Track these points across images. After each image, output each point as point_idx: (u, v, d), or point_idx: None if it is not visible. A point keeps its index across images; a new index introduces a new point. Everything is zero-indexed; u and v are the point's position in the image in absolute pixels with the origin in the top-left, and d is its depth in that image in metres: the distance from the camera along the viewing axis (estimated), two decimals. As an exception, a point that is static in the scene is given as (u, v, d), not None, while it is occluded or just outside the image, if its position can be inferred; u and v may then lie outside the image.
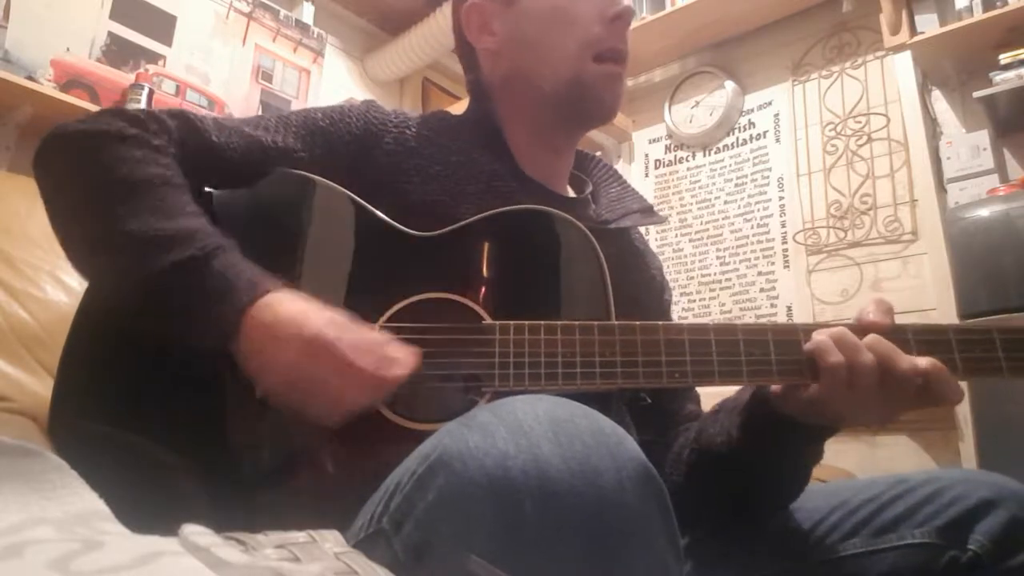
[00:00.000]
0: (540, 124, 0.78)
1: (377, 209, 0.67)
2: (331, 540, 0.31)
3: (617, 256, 0.67)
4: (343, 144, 0.72)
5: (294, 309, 0.55)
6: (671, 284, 0.92)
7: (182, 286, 0.55)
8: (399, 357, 0.55)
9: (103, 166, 0.61)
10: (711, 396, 0.92)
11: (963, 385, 0.58)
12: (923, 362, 0.56)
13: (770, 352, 0.60)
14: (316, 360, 0.53)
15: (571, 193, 0.84)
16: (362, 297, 0.63)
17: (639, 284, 0.82)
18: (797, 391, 0.60)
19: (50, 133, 0.65)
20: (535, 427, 0.40)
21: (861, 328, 0.59)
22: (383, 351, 0.54)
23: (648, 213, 0.82)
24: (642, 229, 0.90)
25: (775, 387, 0.62)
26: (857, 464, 1.95)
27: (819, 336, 0.58)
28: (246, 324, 0.54)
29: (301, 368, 0.53)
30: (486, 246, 0.66)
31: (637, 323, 0.60)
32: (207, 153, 0.68)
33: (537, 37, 0.75)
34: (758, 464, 0.65)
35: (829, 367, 0.57)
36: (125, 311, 0.60)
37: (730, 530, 0.71)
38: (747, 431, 0.65)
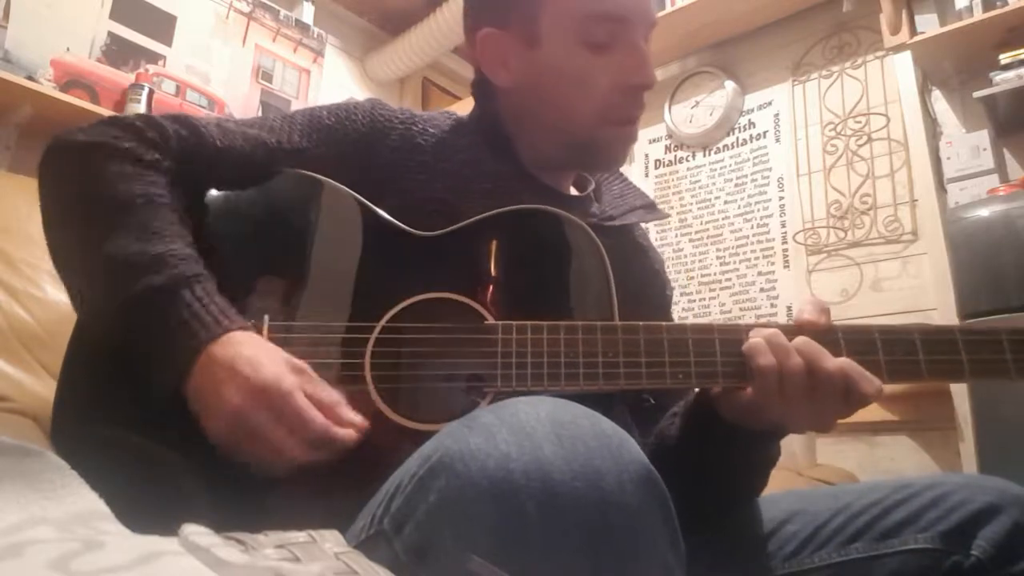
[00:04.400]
0: (546, 154, 0.77)
1: (382, 207, 0.67)
2: (331, 540, 0.31)
3: (620, 252, 0.67)
4: (349, 142, 0.72)
5: (251, 352, 0.53)
6: (671, 284, 0.92)
7: (146, 317, 0.55)
8: (353, 420, 0.53)
9: (90, 182, 0.62)
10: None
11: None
12: (841, 362, 0.56)
13: None
14: (263, 408, 0.51)
15: (574, 191, 0.84)
16: (365, 297, 0.63)
17: (642, 280, 0.82)
18: (735, 395, 0.60)
19: (54, 141, 0.66)
20: (537, 429, 0.40)
21: (796, 328, 0.59)
22: (337, 411, 0.53)
23: (651, 209, 0.82)
24: (643, 227, 0.90)
25: (716, 390, 0.62)
26: (857, 464, 1.95)
27: (754, 338, 0.58)
28: (201, 361, 0.53)
29: (246, 414, 0.51)
30: (489, 246, 0.66)
31: (640, 323, 0.60)
32: (211, 157, 0.67)
33: (554, 92, 0.73)
34: (704, 465, 0.65)
35: (760, 369, 0.57)
36: (97, 331, 0.60)
37: (729, 532, 0.70)
38: (687, 433, 0.66)
